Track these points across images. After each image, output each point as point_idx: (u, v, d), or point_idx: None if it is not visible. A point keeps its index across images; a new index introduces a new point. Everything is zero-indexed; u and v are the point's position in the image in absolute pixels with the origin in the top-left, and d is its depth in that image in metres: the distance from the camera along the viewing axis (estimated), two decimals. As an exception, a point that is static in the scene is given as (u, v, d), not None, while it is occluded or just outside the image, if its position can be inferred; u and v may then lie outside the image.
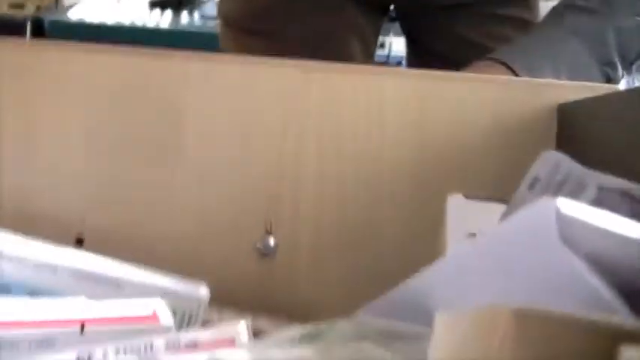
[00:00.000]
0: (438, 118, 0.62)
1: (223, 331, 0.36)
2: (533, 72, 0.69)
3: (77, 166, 0.60)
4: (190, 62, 0.62)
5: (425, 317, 0.31)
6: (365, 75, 0.64)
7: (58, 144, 0.60)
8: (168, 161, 0.61)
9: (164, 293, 0.48)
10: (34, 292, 0.47)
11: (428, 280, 0.37)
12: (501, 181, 0.52)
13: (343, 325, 0.38)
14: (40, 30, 1.59)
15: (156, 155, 0.61)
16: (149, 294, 0.46)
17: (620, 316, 0.26)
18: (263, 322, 0.51)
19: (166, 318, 0.41)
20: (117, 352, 0.34)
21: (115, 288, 0.48)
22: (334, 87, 0.61)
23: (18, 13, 1.74)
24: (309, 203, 0.61)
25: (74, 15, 1.66)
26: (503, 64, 0.71)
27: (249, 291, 0.60)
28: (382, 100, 0.62)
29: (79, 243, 0.59)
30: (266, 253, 0.61)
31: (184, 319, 0.48)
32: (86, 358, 0.33)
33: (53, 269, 0.47)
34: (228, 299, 0.53)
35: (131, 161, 0.60)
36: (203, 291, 0.50)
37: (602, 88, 0.63)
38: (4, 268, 0.46)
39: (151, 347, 0.35)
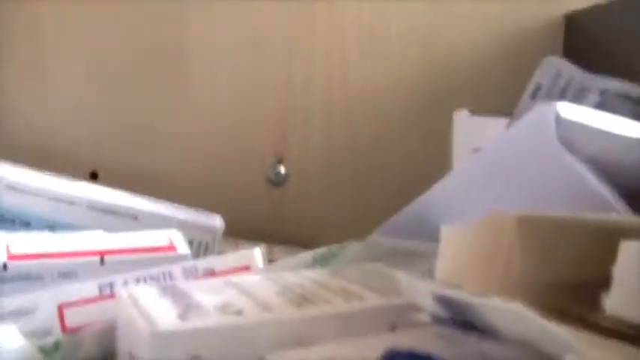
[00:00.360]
0: (444, 36, 0.61)
1: (239, 258, 0.37)
2: None
3: (88, 103, 0.60)
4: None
5: (436, 234, 0.32)
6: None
7: (68, 82, 0.60)
8: (176, 94, 0.61)
9: (180, 224, 0.49)
10: (52, 226, 0.48)
11: (436, 197, 0.38)
12: (510, 95, 0.52)
13: (355, 247, 0.39)
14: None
15: (165, 88, 0.61)
16: (165, 225, 0.47)
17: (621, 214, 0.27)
18: (277, 251, 0.53)
19: (183, 247, 0.42)
20: (137, 280, 0.35)
21: (132, 220, 0.49)
22: (338, 11, 0.61)
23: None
24: (317, 129, 0.62)
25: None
26: None
27: (262, 220, 0.61)
28: (387, 22, 0.61)
29: (94, 177, 0.60)
30: (277, 181, 0.62)
31: (200, 249, 0.49)
32: (107, 287, 0.35)
33: (71, 202, 0.48)
34: (242, 230, 0.54)
35: (140, 97, 0.61)
36: (218, 221, 0.51)
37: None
38: (23, 203, 0.48)
39: (170, 275, 0.36)
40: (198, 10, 0.60)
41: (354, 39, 0.61)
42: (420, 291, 0.25)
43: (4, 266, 0.38)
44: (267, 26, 0.61)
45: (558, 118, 0.27)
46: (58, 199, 0.48)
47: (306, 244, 0.55)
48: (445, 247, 0.26)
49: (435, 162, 0.53)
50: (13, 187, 0.47)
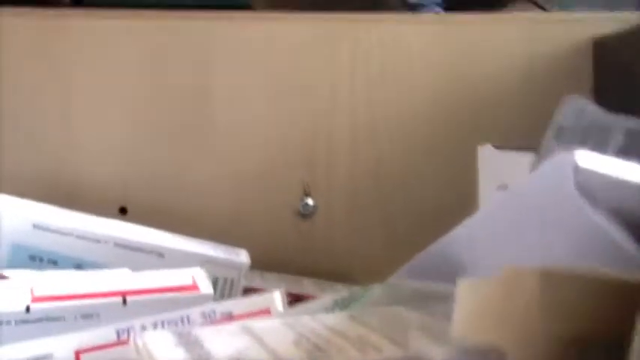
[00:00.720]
0: (471, 62, 0.60)
1: (259, 301, 0.36)
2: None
3: (115, 137, 0.60)
4: (217, 21, 0.61)
5: (460, 275, 0.31)
6: (391, 24, 0.62)
7: (94, 115, 0.60)
8: (203, 130, 0.61)
9: (205, 261, 0.49)
10: (79, 264, 0.48)
11: (459, 238, 0.37)
12: (538, 124, 0.51)
13: (377, 290, 0.38)
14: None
15: (191, 125, 0.61)
16: (190, 262, 0.47)
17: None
18: (305, 285, 0.52)
19: (206, 286, 0.42)
20: (155, 325, 0.35)
21: (158, 257, 0.49)
22: (361, 41, 0.60)
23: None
24: (343, 161, 0.61)
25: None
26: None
27: (290, 253, 0.61)
28: (410, 50, 0.60)
29: (123, 212, 0.61)
30: (306, 214, 0.62)
31: (226, 286, 0.49)
32: (125, 332, 0.34)
33: (97, 240, 0.48)
34: (270, 263, 0.54)
35: (167, 134, 0.61)
36: (244, 257, 0.51)
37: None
38: (51, 242, 0.48)
39: (188, 319, 0.36)
40: (218, 41, 0.61)
41: (377, 69, 0.61)
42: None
43: (27, 309, 0.38)
44: (288, 60, 0.61)
45: (577, 168, 0.26)
46: (84, 238, 0.48)
47: (335, 276, 0.55)
48: (461, 301, 0.26)
49: (461, 191, 0.52)
50: (40, 227, 0.48)
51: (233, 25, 0.61)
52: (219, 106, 0.61)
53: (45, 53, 0.60)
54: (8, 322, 0.38)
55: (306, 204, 0.62)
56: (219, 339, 0.31)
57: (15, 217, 0.48)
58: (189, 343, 0.30)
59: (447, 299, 0.34)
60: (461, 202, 0.47)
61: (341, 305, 0.36)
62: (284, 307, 0.37)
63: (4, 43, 0.58)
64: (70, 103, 0.60)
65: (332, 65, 0.61)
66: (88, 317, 0.40)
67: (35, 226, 0.48)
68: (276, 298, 0.37)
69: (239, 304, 0.36)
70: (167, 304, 0.39)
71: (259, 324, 0.33)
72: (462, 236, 0.37)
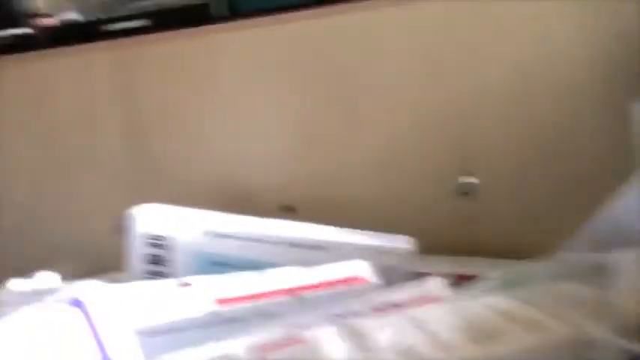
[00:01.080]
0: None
1: (423, 289, 0.37)
2: None
3: (275, 140, 0.62)
4: (358, 13, 0.61)
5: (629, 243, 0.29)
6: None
7: (254, 120, 0.63)
8: (357, 118, 0.61)
9: (370, 251, 0.49)
10: (249, 265, 0.51)
11: (630, 203, 0.34)
12: None
13: (546, 266, 0.36)
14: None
15: (346, 115, 0.62)
16: (355, 254, 0.48)
17: None
18: (470, 265, 0.51)
19: (372, 277, 0.43)
20: (326, 320, 0.36)
21: (322, 251, 0.51)
22: (514, 10, 0.58)
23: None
24: (503, 135, 0.59)
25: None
26: None
27: (452, 233, 0.60)
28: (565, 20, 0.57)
29: (290, 211, 0.63)
30: (466, 192, 0.60)
31: (392, 274, 0.50)
32: (300, 328, 0.36)
33: (267, 241, 0.51)
34: (433, 245, 0.53)
35: (321, 124, 0.62)
36: (407, 243, 0.51)
37: None
38: (225, 247, 0.51)
39: (356, 311, 0.36)
40: (364, 32, 0.61)
41: (529, 36, 0.58)
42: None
43: (214, 312, 0.41)
44: (444, 29, 0.59)
45: None
46: (259, 240, 0.51)
47: (500, 253, 0.53)
48: (631, 274, 0.24)
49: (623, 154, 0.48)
50: (215, 234, 0.51)
51: (378, 14, 0.61)
52: (372, 88, 0.61)
53: (199, 61, 0.63)
54: (197, 327, 0.41)
55: (467, 182, 0.61)
56: (385, 329, 0.31)
57: (194, 226, 0.51)
58: (355, 335, 0.31)
59: (617, 271, 0.32)
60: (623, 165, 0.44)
61: (510, 284, 0.36)
62: (449, 291, 0.37)
63: (171, 65, 0.62)
64: (229, 110, 0.63)
65: (488, 38, 0.59)
66: (268, 316, 0.42)
67: (213, 234, 0.51)
68: (440, 284, 0.37)
69: (403, 293, 0.37)
70: (335, 298, 0.41)
71: (424, 312, 0.33)
72: (633, 202, 0.34)
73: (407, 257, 0.50)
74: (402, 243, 0.51)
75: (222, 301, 0.42)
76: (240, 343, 0.36)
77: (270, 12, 0.65)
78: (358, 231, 0.52)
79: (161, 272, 0.51)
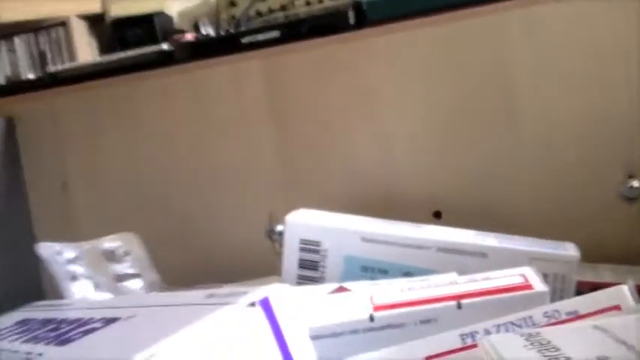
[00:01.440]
0: None
1: (606, 297, 0.34)
2: None
3: (423, 143, 0.61)
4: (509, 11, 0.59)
5: None
6: None
7: (401, 125, 0.62)
8: (508, 123, 0.59)
9: (532, 257, 0.47)
10: (408, 271, 0.50)
11: None
12: None
13: None
14: (361, 13, 1.67)
15: (496, 119, 0.60)
16: (516, 261, 0.45)
17: None
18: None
19: (539, 285, 0.40)
20: (498, 328, 0.34)
21: (482, 258, 0.49)
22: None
23: (340, 3, 1.88)
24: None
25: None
26: None
27: (618, 240, 0.56)
28: None
29: (437, 217, 0.61)
30: (631, 197, 0.56)
31: (556, 282, 0.47)
32: (469, 336, 0.34)
33: (421, 247, 0.50)
34: (599, 252, 0.50)
35: (470, 129, 0.60)
36: (573, 250, 0.48)
37: None
38: (379, 253, 0.50)
39: (531, 320, 0.34)
40: (513, 33, 0.58)
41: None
42: None
43: (371, 317, 0.40)
44: (599, 28, 0.56)
45: None
46: (410, 245, 0.50)
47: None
48: None
49: None
50: (368, 239, 0.50)
51: (538, 10, 0.58)
52: (523, 97, 0.59)
53: (353, 74, 0.63)
54: (355, 331, 0.41)
55: (631, 187, 0.56)
56: (571, 339, 0.29)
57: (346, 232, 0.51)
58: (539, 344, 0.29)
59: None
60: None
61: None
62: (631, 300, 0.34)
63: (319, 72, 0.63)
64: (376, 115, 0.62)
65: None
66: (426, 323, 0.41)
67: (363, 240, 0.51)
68: (626, 292, 0.34)
69: (585, 302, 0.34)
70: (500, 306, 0.39)
71: (612, 321, 0.30)
72: None
73: (573, 265, 0.47)
74: (567, 250, 0.48)
75: (381, 307, 0.41)
76: (406, 350, 0.35)
77: (402, 19, 0.63)
78: (520, 237, 0.50)
79: (313, 277, 0.51)
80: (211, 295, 0.29)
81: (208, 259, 0.64)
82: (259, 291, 0.27)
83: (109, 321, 0.32)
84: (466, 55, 0.60)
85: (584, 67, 0.57)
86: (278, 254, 0.63)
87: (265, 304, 0.27)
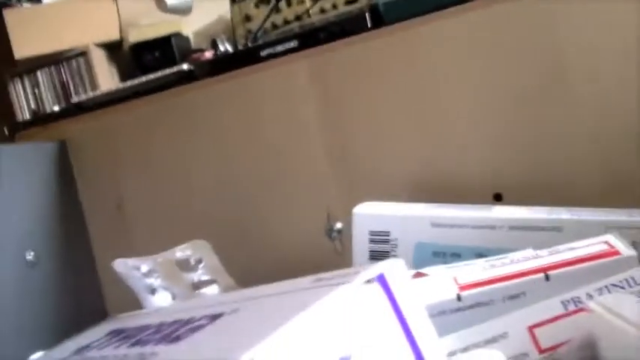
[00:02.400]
0: None
1: None
2: None
3: (483, 128, 0.61)
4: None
5: None
6: None
7: (462, 111, 0.62)
8: (560, 101, 0.59)
9: (608, 227, 0.46)
10: (481, 252, 0.49)
11: None
12: None
13: None
14: (378, 16, 1.67)
15: (550, 97, 0.59)
16: (592, 233, 0.45)
17: None
18: None
19: (625, 249, 0.40)
20: (600, 291, 0.34)
21: (556, 233, 0.48)
22: None
23: (354, 8, 1.89)
24: None
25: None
26: None
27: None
28: None
29: (498, 199, 0.61)
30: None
31: (638, 249, 0.46)
32: (571, 302, 0.34)
33: (492, 227, 0.49)
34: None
35: (526, 110, 0.60)
36: (649, 216, 0.47)
37: None
38: (450, 236, 0.50)
39: (634, 280, 0.34)
40: (574, 18, 0.58)
41: None
42: None
43: (459, 297, 0.40)
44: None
45: None
46: (480, 227, 0.49)
47: None
48: None
49: None
50: (438, 224, 0.50)
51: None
52: (576, 75, 0.58)
53: (400, 65, 0.63)
54: (443, 312, 0.40)
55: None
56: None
57: (414, 219, 0.51)
58: (654, 301, 0.29)
59: None
60: None
61: None
62: None
63: (366, 66, 0.63)
64: (427, 104, 0.62)
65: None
66: (515, 297, 0.40)
67: (433, 225, 0.50)
68: None
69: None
70: (590, 274, 0.38)
71: None
72: None
73: (652, 230, 0.46)
74: (643, 216, 0.47)
75: (467, 286, 0.41)
76: (509, 322, 0.35)
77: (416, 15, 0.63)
78: (591, 209, 0.49)
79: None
80: (319, 279, 0.29)
81: (269, 263, 0.64)
82: (374, 268, 0.27)
83: (214, 317, 0.32)
84: (518, 37, 0.60)
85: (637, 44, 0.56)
86: (338, 252, 0.64)
87: (382, 280, 0.27)
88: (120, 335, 0.38)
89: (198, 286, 0.51)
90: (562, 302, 0.34)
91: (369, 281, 0.27)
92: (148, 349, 0.31)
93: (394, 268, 0.27)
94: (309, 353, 0.24)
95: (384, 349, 0.26)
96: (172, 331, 0.32)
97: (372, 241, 0.52)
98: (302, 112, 0.63)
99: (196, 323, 0.32)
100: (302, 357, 0.24)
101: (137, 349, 0.32)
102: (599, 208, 0.50)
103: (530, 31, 0.58)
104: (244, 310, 0.31)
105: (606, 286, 0.34)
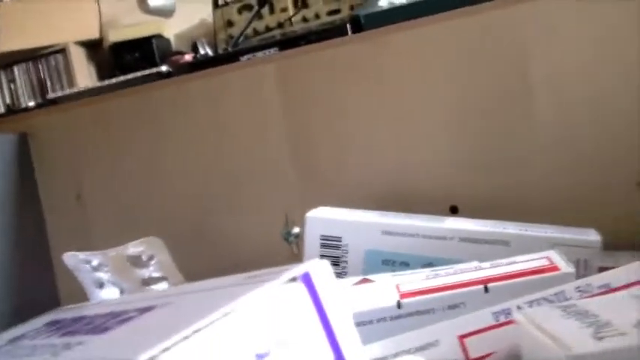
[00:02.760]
0: None
1: (638, 269, 0.34)
2: None
3: (439, 140, 0.61)
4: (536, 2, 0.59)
5: None
6: None
7: (418, 123, 0.62)
8: (523, 112, 0.59)
9: (554, 243, 0.47)
10: (429, 262, 0.50)
11: None
12: None
13: None
14: (358, 26, 1.68)
15: (509, 112, 0.60)
16: (538, 248, 0.46)
17: None
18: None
19: (565, 266, 0.40)
20: (530, 304, 0.34)
21: (504, 247, 0.49)
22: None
23: (336, 18, 1.91)
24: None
25: (384, 3, 1.73)
26: None
27: (638, 227, 0.56)
28: None
29: (454, 212, 0.61)
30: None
31: (579, 268, 0.47)
32: (502, 314, 0.35)
33: (443, 238, 0.50)
34: (617, 239, 0.50)
35: (484, 127, 0.60)
36: (594, 235, 0.48)
37: None
38: (400, 245, 0.51)
39: (563, 295, 0.34)
40: (537, 23, 0.59)
41: None
42: None
43: (399, 304, 0.41)
44: (607, 30, 0.57)
45: None
46: (431, 237, 0.50)
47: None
48: None
49: None
50: (389, 232, 0.50)
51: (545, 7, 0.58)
52: (540, 92, 0.59)
53: (368, 72, 0.63)
54: (382, 319, 0.41)
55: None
56: (608, 307, 0.29)
57: (366, 226, 0.51)
58: (576, 313, 0.29)
59: None
60: None
61: None
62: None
63: (336, 70, 0.63)
64: (391, 112, 0.62)
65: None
66: (454, 307, 0.41)
67: (384, 232, 0.51)
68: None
69: (616, 275, 0.34)
70: (528, 288, 0.39)
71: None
72: None
73: (596, 250, 0.47)
74: (589, 235, 0.48)
75: (408, 294, 0.41)
76: (440, 330, 0.35)
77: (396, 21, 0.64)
78: (540, 225, 0.50)
79: (335, 273, 0.51)
80: (253, 276, 0.29)
81: (226, 263, 0.64)
82: (300, 267, 0.27)
83: (144, 310, 0.32)
84: (479, 51, 0.60)
85: (595, 57, 0.57)
86: (295, 255, 0.64)
87: (307, 279, 0.27)
88: (55, 326, 0.38)
89: (148, 282, 0.51)
90: (493, 313, 0.35)
91: (294, 279, 0.27)
92: (76, 338, 0.31)
93: (320, 268, 0.27)
94: (223, 349, 0.24)
95: (304, 348, 0.26)
96: (103, 322, 0.32)
97: (323, 245, 0.52)
98: (268, 114, 0.63)
99: (126, 315, 0.32)
100: (215, 353, 0.24)
101: (66, 339, 0.32)
102: (548, 225, 0.50)
103: (494, 46, 0.59)
104: (173, 304, 0.31)
105: (537, 300, 0.35)
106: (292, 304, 0.26)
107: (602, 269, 0.48)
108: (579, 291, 0.34)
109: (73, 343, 0.30)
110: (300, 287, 0.27)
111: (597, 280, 0.34)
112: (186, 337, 0.23)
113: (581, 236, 0.48)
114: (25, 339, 0.37)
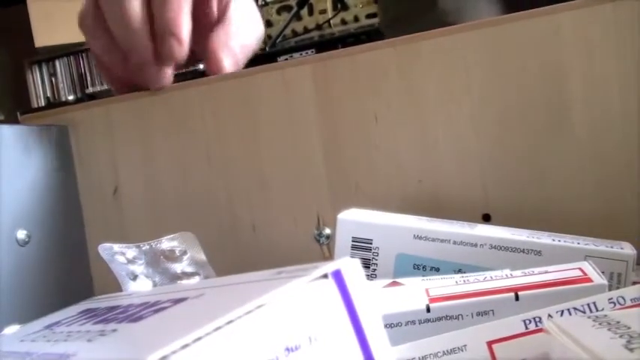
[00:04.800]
0: None
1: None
2: None
3: (471, 147, 0.61)
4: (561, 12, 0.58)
5: None
6: None
7: (446, 127, 0.62)
8: (558, 127, 0.59)
9: (587, 255, 0.47)
10: (460, 269, 0.50)
11: None
12: None
13: None
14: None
15: (544, 120, 0.59)
16: (571, 259, 0.45)
17: None
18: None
19: (598, 278, 0.40)
20: (561, 313, 0.34)
21: (536, 256, 0.49)
22: None
23: (375, 22, 1.91)
24: None
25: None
26: None
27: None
28: None
29: (486, 220, 0.61)
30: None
31: (613, 281, 0.46)
32: (532, 321, 0.34)
33: (474, 244, 0.50)
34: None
35: (520, 132, 0.60)
36: (629, 248, 0.48)
37: None
38: (431, 250, 0.51)
39: (595, 306, 0.34)
40: (566, 34, 0.58)
41: None
42: None
43: (428, 308, 0.41)
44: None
45: None
46: (462, 243, 0.50)
47: None
48: None
49: None
50: (421, 237, 0.50)
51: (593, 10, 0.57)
52: (577, 102, 0.59)
53: (397, 79, 0.63)
54: (412, 322, 0.41)
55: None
56: (642, 320, 0.29)
57: (397, 230, 0.51)
58: (607, 324, 0.29)
59: None
60: None
61: None
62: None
63: (363, 78, 0.64)
64: (424, 119, 0.62)
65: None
66: (483, 314, 0.41)
67: (416, 237, 0.51)
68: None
69: (649, 287, 0.34)
70: (559, 298, 0.39)
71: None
72: None
73: (630, 263, 0.46)
74: (624, 248, 0.48)
75: (437, 299, 0.41)
76: (469, 335, 0.35)
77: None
78: (574, 236, 0.50)
79: (365, 275, 0.51)
80: (283, 272, 0.29)
81: (257, 262, 0.65)
82: (331, 264, 0.27)
83: (178, 301, 0.32)
84: (516, 58, 0.60)
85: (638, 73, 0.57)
86: (326, 257, 0.64)
87: (337, 276, 0.27)
88: (90, 314, 0.38)
89: (180, 276, 0.52)
90: (523, 321, 0.35)
91: (325, 276, 0.27)
92: (110, 326, 0.32)
93: (351, 266, 0.27)
94: (254, 341, 0.24)
95: (333, 345, 0.26)
96: (137, 312, 0.33)
97: (354, 247, 0.52)
98: (303, 115, 0.64)
99: (160, 305, 0.32)
100: (245, 344, 0.24)
101: (100, 326, 0.33)
102: (582, 237, 0.50)
103: (534, 53, 0.59)
104: (206, 295, 0.31)
105: (568, 309, 0.34)
106: (323, 301, 0.27)
107: (635, 283, 0.48)
108: (612, 302, 0.34)
109: (108, 330, 0.31)
110: (331, 284, 0.27)
111: (630, 292, 0.34)
112: (218, 328, 0.24)
113: (616, 249, 0.47)
114: (61, 325, 0.38)
